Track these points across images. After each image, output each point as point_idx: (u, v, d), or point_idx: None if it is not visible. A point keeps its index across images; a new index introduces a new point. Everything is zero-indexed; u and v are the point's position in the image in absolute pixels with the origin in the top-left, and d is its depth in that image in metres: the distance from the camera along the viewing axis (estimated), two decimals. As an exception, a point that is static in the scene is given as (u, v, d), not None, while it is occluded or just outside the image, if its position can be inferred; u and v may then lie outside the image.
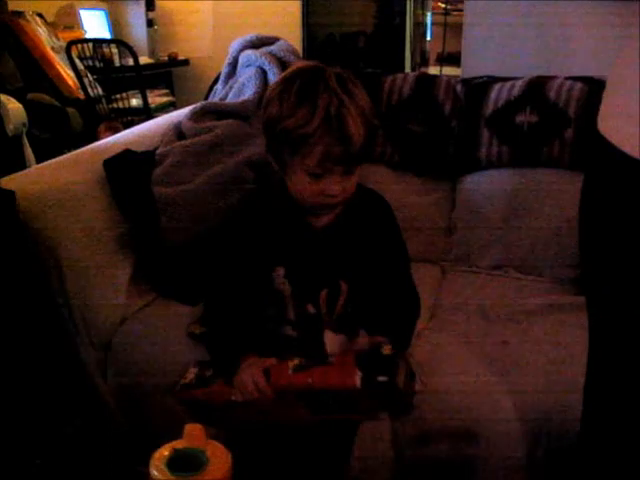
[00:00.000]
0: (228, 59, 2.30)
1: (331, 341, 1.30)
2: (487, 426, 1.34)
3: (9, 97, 3.50)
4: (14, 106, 3.45)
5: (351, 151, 1.23)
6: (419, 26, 4.54)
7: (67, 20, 4.77)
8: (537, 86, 1.91)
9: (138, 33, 5.15)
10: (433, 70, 4.30)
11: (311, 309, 1.36)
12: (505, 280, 1.88)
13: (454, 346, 1.54)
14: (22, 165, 3.38)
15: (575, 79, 1.89)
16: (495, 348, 1.51)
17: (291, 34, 4.27)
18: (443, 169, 2.02)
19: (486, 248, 1.95)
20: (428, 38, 4.59)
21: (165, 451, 0.83)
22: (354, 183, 1.31)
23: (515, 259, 1.91)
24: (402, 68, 4.44)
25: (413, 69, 4.45)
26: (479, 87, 2.01)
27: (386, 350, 1.21)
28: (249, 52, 2.21)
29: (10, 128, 3.41)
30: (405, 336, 1.37)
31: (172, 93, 5.11)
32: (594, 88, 1.82)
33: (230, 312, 1.40)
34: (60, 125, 3.99)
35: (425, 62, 4.57)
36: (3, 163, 3.30)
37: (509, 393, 1.37)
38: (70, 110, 4.07)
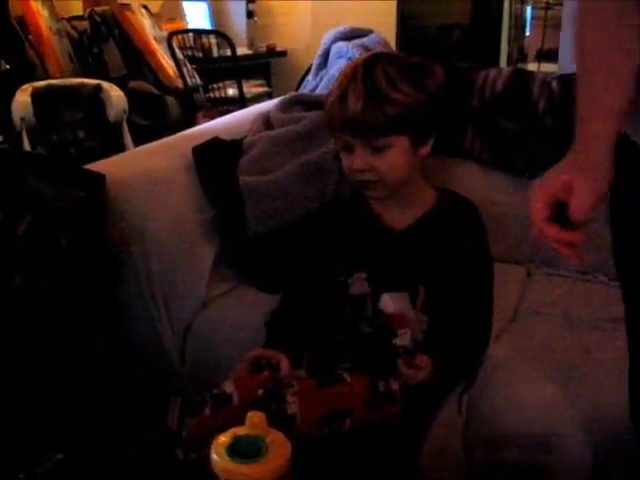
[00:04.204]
0: (320, 50, 2.31)
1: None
2: (562, 435, 1.30)
3: (112, 84, 3.63)
4: (116, 93, 3.57)
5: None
6: (518, 20, 4.39)
7: (171, 12, 4.90)
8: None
9: (238, 24, 5.23)
10: (532, 67, 4.16)
11: None
12: (592, 285, 1.81)
13: (533, 351, 1.49)
14: (121, 151, 3.49)
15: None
16: (576, 356, 1.46)
17: (387, 26, 4.23)
18: (534, 167, 1.95)
19: (575, 251, 1.87)
20: (527, 33, 4.43)
21: (226, 437, 0.84)
22: (390, 164, 1.31)
23: (604, 264, 1.82)
24: (497, 63, 4.31)
25: (510, 65, 4.32)
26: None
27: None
28: (341, 44, 2.20)
29: (111, 115, 3.53)
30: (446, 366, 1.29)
31: (269, 84, 5.18)
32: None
33: (300, 308, 1.41)
34: (159, 113, 4.10)
35: (523, 58, 4.42)
36: (103, 149, 3.43)
37: (588, 403, 1.32)
38: (169, 98, 4.18)
